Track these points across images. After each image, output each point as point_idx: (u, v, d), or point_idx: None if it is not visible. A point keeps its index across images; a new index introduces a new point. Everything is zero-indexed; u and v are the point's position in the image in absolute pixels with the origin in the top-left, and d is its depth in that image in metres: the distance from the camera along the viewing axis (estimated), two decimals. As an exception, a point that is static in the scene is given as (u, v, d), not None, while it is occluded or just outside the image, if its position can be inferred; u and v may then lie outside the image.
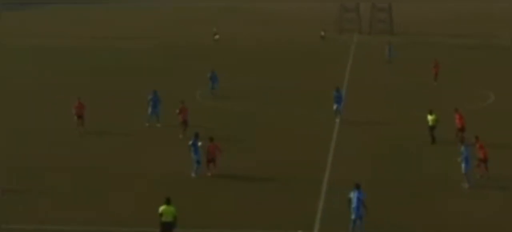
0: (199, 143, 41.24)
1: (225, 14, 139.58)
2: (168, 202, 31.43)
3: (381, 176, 41.10)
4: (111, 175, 41.46)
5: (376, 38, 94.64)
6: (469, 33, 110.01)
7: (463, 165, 39.09)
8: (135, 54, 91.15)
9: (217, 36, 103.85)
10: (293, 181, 40.13)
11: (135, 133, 50.87)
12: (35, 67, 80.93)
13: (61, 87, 68.11)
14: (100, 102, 60.14)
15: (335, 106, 54.12)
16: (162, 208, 31.35)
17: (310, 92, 64.91)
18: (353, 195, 32.42)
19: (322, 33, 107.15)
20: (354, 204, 32.26)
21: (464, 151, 39.19)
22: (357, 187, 32.61)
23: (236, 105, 60.73)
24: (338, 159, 44.40)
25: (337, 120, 53.22)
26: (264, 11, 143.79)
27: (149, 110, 52.93)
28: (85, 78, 73.08)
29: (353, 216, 32.34)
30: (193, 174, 40.90)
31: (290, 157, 44.82)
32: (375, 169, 42.45)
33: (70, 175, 41.35)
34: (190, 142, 41.33)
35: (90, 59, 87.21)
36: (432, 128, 47.57)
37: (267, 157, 44.41)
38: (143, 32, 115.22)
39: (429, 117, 47.74)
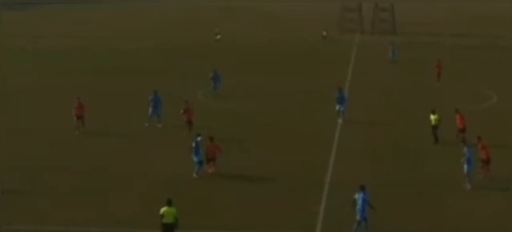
0: (198, 138, 41.04)
1: (225, 14, 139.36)
2: (169, 203, 31.28)
3: (383, 177, 40.89)
4: (111, 176, 41.26)
5: (378, 38, 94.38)
6: (472, 33, 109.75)
7: (465, 166, 38.88)
8: (135, 54, 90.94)
9: (218, 36, 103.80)
10: (295, 181, 39.91)
11: (135, 134, 50.65)
12: (34, 67, 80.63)
13: (60, 87, 67.75)
14: (100, 102, 59.91)
15: (337, 107, 53.35)
16: (163, 209, 31.20)
17: (312, 92, 64.76)
18: (358, 196, 32.24)
19: (324, 33, 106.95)
20: (359, 205, 32.09)
21: (467, 151, 38.97)
22: (362, 188, 32.41)
23: (238, 105, 60.53)
24: (340, 159, 44.20)
25: (340, 120, 52.77)
26: (265, 11, 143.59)
27: (150, 110, 52.74)
28: (84, 78, 72.75)
29: (358, 217, 32.17)
30: (194, 175, 40.67)
31: (292, 157, 44.59)
32: (377, 170, 42.26)
33: (70, 175, 41.17)
34: (193, 144, 40.97)
35: (90, 59, 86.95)
36: (435, 127, 47.46)
37: (269, 157, 44.23)
38: (143, 32, 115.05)
39: (432, 117, 47.64)
